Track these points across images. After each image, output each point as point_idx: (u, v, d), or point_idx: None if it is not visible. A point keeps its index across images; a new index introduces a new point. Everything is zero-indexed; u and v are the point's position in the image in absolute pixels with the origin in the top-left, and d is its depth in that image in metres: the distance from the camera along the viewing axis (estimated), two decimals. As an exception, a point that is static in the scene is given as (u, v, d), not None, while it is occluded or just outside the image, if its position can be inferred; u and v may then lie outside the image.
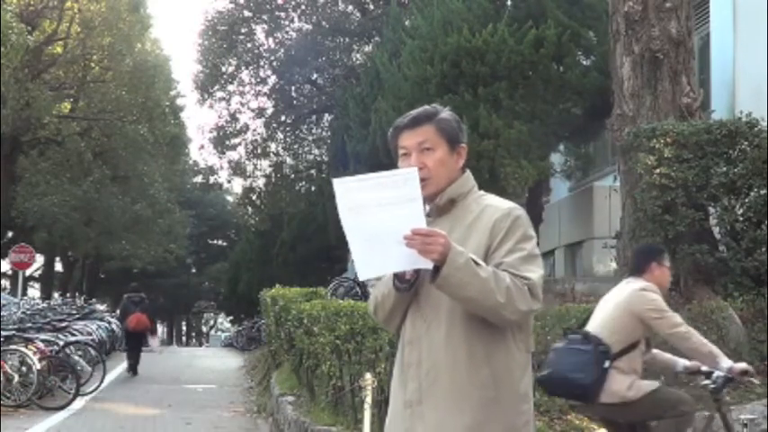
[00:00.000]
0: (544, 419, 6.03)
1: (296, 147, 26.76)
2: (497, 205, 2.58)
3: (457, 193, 2.60)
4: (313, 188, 24.38)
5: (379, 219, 2.32)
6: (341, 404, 7.29)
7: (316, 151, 26.70)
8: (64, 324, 15.03)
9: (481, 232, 2.51)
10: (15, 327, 13.04)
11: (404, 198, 2.33)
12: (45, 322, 14.80)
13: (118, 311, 19.53)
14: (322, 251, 23.62)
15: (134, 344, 17.11)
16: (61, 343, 12.70)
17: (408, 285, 2.51)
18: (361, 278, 2.45)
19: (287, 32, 24.97)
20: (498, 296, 2.35)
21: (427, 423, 2.49)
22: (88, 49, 25.41)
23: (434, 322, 2.50)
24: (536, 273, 2.45)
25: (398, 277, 2.50)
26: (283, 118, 25.94)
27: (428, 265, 2.35)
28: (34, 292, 36.41)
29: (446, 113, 2.64)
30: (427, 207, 2.57)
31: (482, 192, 2.67)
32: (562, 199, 15.24)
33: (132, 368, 16.99)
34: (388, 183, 2.34)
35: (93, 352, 13.89)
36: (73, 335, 14.23)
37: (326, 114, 25.16)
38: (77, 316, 18.62)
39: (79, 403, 11.64)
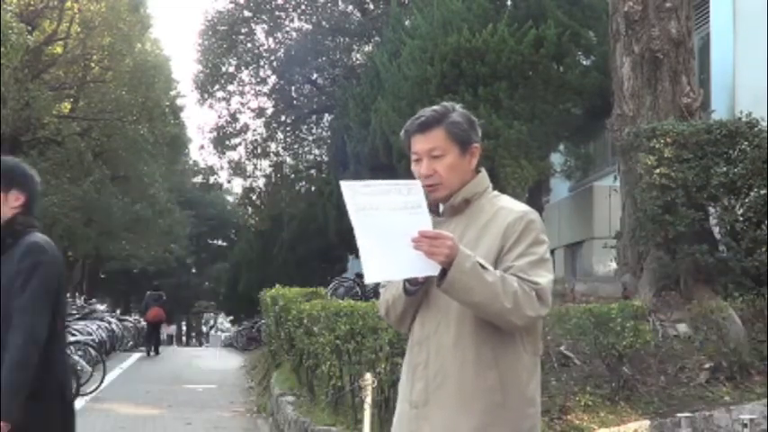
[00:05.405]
0: (544, 419, 6.01)
1: (296, 147, 26.76)
2: (511, 208, 2.56)
3: (471, 193, 2.58)
4: (313, 188, 24.35)
5: (388, 221, 2.34)
6: (341, 404, 7.29)
7: (316, 151, 26.70)
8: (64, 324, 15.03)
9: (494, 235, 2.49)
10: (15, 327, 13.02)
11: (410, 204, 2.35)
12: (45, 322, 14.78)
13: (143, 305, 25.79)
14: (322, 251, 23.60)
15: (153, 332, 23.72)
16: (61, 343, 12.70)
17: (417, 288, 2.50)
18: (368, 281, 2.42)
19: (287, 32, 24.96)
20: (505, 301, 2.33)
21: (433, 424, 2.47)
22: (88, 49, 25.34)
23: (443, 323, 2.49)
24: (545, 277, 2.43)
25: (408, 280, 2.49)
26: (283, 118, 25.93)
27: (435, 271, 2.34)
28: (34, 292, 36.32)
29: (456, 114, 2.60)
30: (441, 207, 2.59)
31: (496, 192, 2.66)
32: (562, 199, 15.23)
33: (153, 350, 22.86)
34: (392, 190, 2.36)
35: (93, 352, 13.89)
36: (73, 335, 14.21)
37: (326, 114, 25.14)
38: (77, 316, 18.62)
39: (79, 403, 11.62)
